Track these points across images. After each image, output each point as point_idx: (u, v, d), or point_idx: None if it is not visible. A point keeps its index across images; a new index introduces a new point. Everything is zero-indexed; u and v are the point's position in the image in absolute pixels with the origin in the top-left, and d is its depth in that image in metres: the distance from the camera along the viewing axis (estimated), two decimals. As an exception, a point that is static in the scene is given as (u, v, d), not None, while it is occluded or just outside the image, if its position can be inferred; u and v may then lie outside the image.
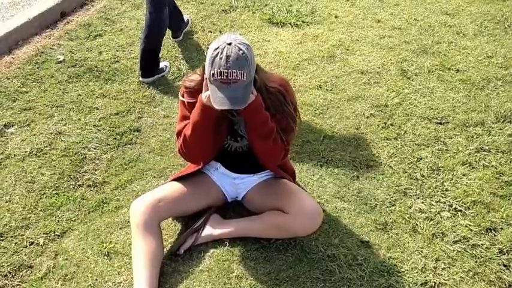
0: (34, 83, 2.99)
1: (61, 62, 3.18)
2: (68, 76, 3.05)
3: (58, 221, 2.12)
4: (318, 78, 3.01)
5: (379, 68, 3.11)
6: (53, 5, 3.66)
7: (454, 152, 2.44)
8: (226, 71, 1.60)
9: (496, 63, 3.13)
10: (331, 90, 2.91)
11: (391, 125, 2.63)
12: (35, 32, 3.49)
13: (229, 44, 1.63)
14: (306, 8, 3.79)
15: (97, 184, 2.30)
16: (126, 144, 2.55)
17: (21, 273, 1.90)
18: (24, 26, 3.44)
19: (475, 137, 2.53)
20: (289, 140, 1.88)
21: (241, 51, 1.62)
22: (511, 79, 2.98)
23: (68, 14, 3.75)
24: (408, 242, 1.99)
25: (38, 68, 3.12)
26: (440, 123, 2.64)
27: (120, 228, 2.07)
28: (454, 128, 2.60)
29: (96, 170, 2.38)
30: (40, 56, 3.23)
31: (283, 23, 3.60)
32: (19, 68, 3.11)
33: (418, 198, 2.19)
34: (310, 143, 2.51)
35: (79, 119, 2.70)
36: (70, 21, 3.66)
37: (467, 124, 2.62)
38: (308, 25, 3.59)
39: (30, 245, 2.02)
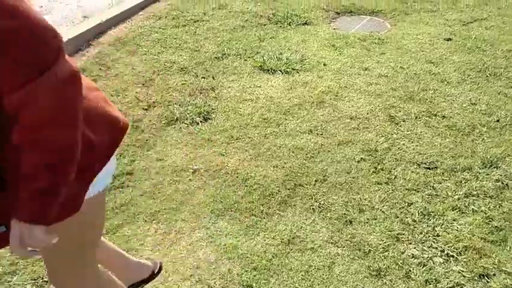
0: (26, 126, 2.99)
1: (54, 105, 3.20)
2: (60, 119, 3.06)
3: (46, 267, 2.07)
4: (308, 123, 3.08)
5: (367, 113, 3.19)
6: (48, 50, 3.73)
7: (444, 197, 2.48)
8: None
9: (480, 110, 3.24)
10: (321, 134, 2.97)
11: (382, 169, 2.67)
12: (29, 76, 3.53)
13: None
14: (296, 56, 3.91)
15: (88, 228, 2.27)
16: (118, 188, 2.53)
17: (6, 323, 1.84)
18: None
19: (463, 182, 2.58)
20: None
21: None
22: (495, 125, 3.07)
23: (62, 58, 3.81)
24: (402, 288, 1.98)
25: (31, 111, 3.13)
26: (429, 168, 2.69)
27: (110, 275, 2.03)
28: (443, 173, 2.65)
29: (87, 214, 2.35)
30: (33, 99, 3.24)
31: (273, 70, 3.71)
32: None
33: (411, 243, 2.20)
34: (302, 186, 2.53)
35: (71, 162, 2.69)
36: (64, 65, 3.72)
37: (455, 169, 2.68)
38: (298, 72, 3.70)
39: (16, 292, 1.96)
